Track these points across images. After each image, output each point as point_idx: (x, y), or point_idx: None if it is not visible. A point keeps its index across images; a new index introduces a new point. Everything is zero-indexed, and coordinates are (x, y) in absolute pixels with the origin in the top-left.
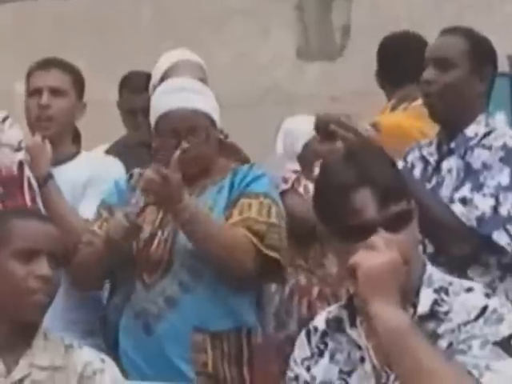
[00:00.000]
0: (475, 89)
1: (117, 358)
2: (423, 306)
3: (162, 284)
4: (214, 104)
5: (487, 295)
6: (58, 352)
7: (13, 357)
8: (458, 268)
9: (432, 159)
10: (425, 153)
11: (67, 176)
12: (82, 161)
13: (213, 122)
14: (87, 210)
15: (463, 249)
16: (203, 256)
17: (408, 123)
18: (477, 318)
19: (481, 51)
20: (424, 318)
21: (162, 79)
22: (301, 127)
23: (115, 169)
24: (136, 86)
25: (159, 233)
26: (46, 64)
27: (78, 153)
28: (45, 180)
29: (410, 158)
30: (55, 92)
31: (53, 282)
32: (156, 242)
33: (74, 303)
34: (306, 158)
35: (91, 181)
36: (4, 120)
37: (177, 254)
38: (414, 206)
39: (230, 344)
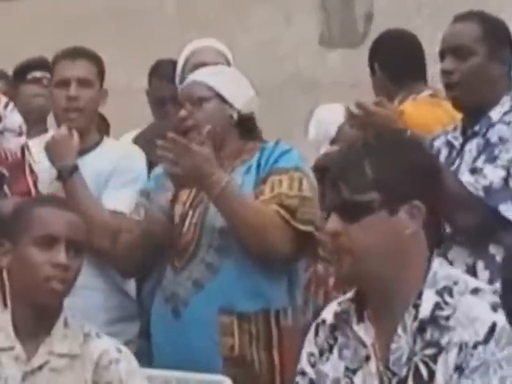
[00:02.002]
0: (496, 72)
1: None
2: (425, 310)
3: (189, 267)
4: (230, 81)
5: (494, 308)
6: (76, 340)
7: (33, 344)
8: (479, 246)
9: (457, 143)
10: (450, 137)
11: (92, 165)
12: (106, 150)
13: (219, 96)
14: (109, 200)
15: (468, 218)
16: (235, 236)
17: (430, 113)
18: (487, 340)
19: (496, 34)
20: (425, 323)
21: (184, 66)
22: (335, 114)
23: (137, 160)
24: (165, 75)
25: (190, 213)
26: (72, 54)
27: (101, 141)
28: (70, 172)
29: (437, 143)
30: (83, 83)
31: (70, 270)
32: (186, 225)
33: (110, 290)
34: (338, 141)
35: (114, 171)
36: (6, 105)
37: (205, 236)
38: (386, 202)
39: (258, 326)
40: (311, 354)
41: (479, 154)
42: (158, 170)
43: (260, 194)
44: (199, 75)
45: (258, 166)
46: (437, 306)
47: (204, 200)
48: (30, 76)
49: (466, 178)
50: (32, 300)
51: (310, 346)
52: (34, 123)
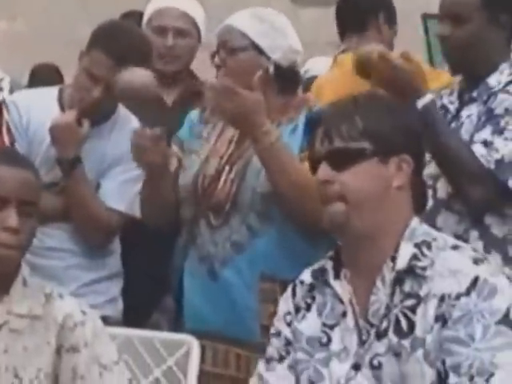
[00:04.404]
0: (494, 39)
1: (179, 302)
2: (401, 261)
3: (228, 227)
4: (268, 30)
5: (475, 261)
6: (37, 300)
7: None
8: (474, 216)
9: (452, 107)
10: (445, 101)
11: (100, 142)
12: (117, 126)
13: (255, 46)
14: (109, 195)
15: (479, 191)
16: (275, 195)
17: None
18: (469, 292)
19: (494, 0)
20: (402, 274)
21: (147, 25)
22: (316, 64)
23: None
24: None
25: (226, 168)
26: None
27: (113, 111)
28: (71, 165)
29: None
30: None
31: (21, 233)
32: (222, 180)
33: (90, 251)
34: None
35: (121, 157)
36: None
37: (245, 196)
38: (376, 150)
39: None
40: (287, 313)
41: (484, 124)
42: (193, 114)
43: (305, 158)
44: (235, 20)
45: (306, 127)
46: (414, 257)
47: (243, 157)
48: None
49: (478, 149)
50: None
51: (286, 306)
52: None
